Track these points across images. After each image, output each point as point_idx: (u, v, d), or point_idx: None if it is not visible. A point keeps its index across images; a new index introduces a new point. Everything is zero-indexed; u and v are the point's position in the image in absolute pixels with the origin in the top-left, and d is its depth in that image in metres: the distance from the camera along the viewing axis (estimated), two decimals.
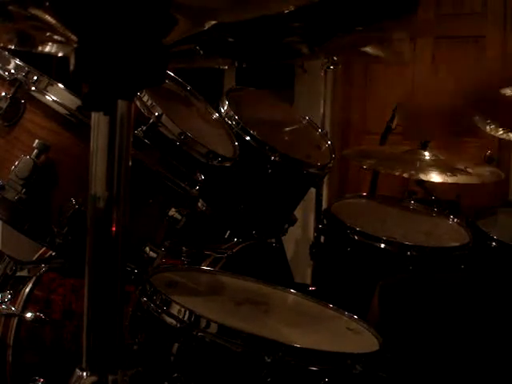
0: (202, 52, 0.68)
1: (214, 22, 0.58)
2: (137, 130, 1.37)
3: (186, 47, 0.66)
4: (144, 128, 1.38)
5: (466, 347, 1.36)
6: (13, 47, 0.73)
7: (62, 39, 0.63)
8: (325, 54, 2.39)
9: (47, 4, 0.55)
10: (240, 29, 0.61)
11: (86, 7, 0.55)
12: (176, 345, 1.15)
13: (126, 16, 0.56)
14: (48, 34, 0.63)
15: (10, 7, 0.58)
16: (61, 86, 1.25)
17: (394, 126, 2.85)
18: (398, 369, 1.36)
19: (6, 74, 1.26)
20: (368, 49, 0.82)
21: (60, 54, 0.68)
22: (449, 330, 1.37)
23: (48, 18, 0.58)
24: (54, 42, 0.65)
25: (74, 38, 0.59)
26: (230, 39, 0.64)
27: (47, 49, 0.70)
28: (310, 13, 0.57)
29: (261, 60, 0.76)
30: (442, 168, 2.23)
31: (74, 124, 1.25)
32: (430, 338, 1.39)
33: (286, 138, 2.19)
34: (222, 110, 1.98)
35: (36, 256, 1.69)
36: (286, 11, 0.56)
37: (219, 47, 0.67)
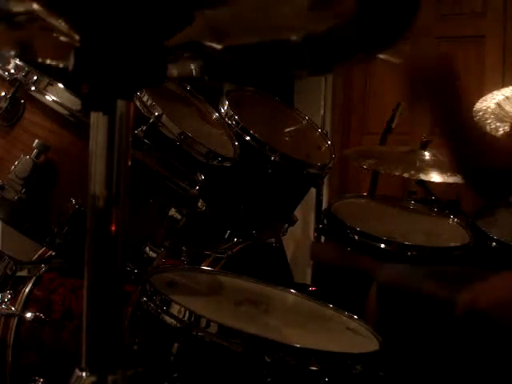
0: (205, 76, 0.69)
1: (222, 45, 0.58)
2: (137, 130, 1.37)
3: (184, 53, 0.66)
4: (144, 128, 1.38)
5: (464, 345, 1.36)
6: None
7: (64, 39, 0.63)
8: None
9: (49, 1, 0.55)
10: (243, 51, 0.61)
11: (87, 6, 0.55)
12: (176, 345, 1.15)
13: (126, 15, 0.56)
14: (49, 36, 0.63)
15: (10, 6, 0.58)
16: (61, 85, 1.25)
17: (394, 125, 2.85)
18: (398, 369, 1.36)
19: (6, 73, 1.26)
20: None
21: (61, 66, 0.68)
22: (447, 330, 1.37)
23: (50, 16, 0.58)
24: (55, 56, 0.66)
25: (76, 37, 0.59)
26: (229, 59, 0.64)
27: (48, 62, 0.70)
28: (315, 43, 0.58)
29: (260, 81, 0.77)
30: (442, 168, 2.23)
31: (73, 124, 1.25)
32: (428, 338, 1.38)
33: (286, 138, 2.19)
34: (222, 110, 1.98)
35: (36, 256, 1.69)
36: (293, 39, 0.57)
37: (216, 63, 0.67)
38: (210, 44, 0.60)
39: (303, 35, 0.57)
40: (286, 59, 0.63)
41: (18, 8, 0.58)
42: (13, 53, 0.73)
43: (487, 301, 1.25)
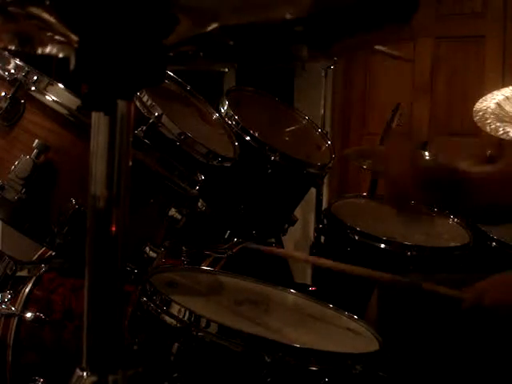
0: (202, 54, 0.68)
1: (215, 25, 0.58)
2: (137, 130, 1.37)
3: (186, 49, 0.66)
4: (144, 128, 1.38)
5: (465, 348, 1.36)
6: (13, 48, 0.73)
7: (63, 39, 0.63)
8: (325, 58, 2.39)
9: (48, 3, 0.55)
10: (241, 32, 0.61)
11: (86, 7, 0.55)
12: (176, 345, 1.15)
13: (126, 16, 0.56)
14: (48, 34, 0.63)
15: (11, 8, 0.58)
16: (61, 86, 1.25)
17: (393, 126, 2.86)
18: (398, 369, 1.36)
19: (6, 73, 1.26)
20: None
21: (61, 55, 0.68)
22: (447, 330, 1.37)
23: (49, 17, 0.58)
24: (55, 42, 0.65)
25: (75, 38, 0.59)
26: (231, 42, 0.64)
27: (47, 50, 0.69)
28: (311, 19, 0.57)
29: (261, 63, 0.76)
30: None
31: (73, 124, 1.25)
32: (428, 338, 1.38)
33: (286, 138, 2.19)
34: (222, 110, 1.98)
35: (36, 256, 1.69)
36: (289, 17, 0.56)
37: (220, 50, 0.67)
38: (205, 28, 0.59)
39: (299, 13, 0.57)
40: (283, 37, 0.63)
41: (17, 10, 0.58)
42: (12, 46, 0.72)
43: (492, 298, 1.25)
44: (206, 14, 0.56)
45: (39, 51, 0.70)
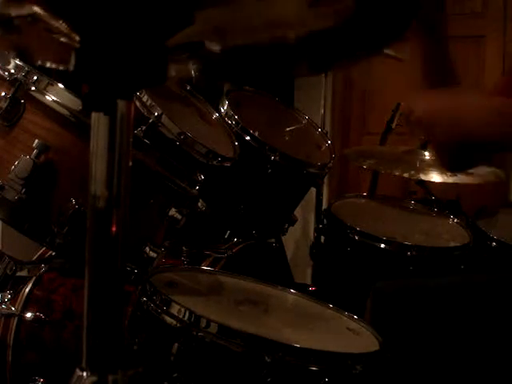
0: (204, 76, 0.69)
1: (218, 47, 0.58)
2: (136, 130, 1.37)
3: (185, 55, 0.66)
4: (144, 128, 1.38)
5: (463, 350, 1.36)
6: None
7: (65, 39, 0.63)
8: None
9: (49, 3, 0.55)
10: (243, 53, 0.61)
11: (87, 7, 0.55)
12: (176, 345, 1.15)
13: (127, 15, 0.56)
14: (48, 41, 0.63)
15: (9, 9, 0.58)
16: (61, 86, 1.25)
17: (393, 126, 2.85)
18: (398, 369, 1.36)
19: (6, 73, 1.27)
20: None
21: (61, 68, 0.68)
22: (445, 333, 1.37)
23: (50, 17, 0.59)
24: (54, 60, 0.66)
25: (76, 38, 0.59)
26: (232, 63, 0.64)
27: (47, 65, 0.70)
28: (313, 41, 0.57)
29: (259, 81, 0.76)
30: (442, 168, 2.22)
31: (73, 124, 1.25)
32: (423, 341, 1.38)
33: (286, 138, 2.19)
34: (222, 110, 1.98)
35: (36, 256, 1.69)
36: (291, 37, 0.57)
37: (219, 70, 0.67)
38: (209, 45, 0.60)
39: (302, 33, 0.57)
40: (285, 58, 0.63)
41: (19, 11, 0.58)
42: (12, 54, 0.73)
43: (420, 108, 1.17)
44: (216, 29, 0.57)
45: (38, 63, 0.70)
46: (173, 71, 0.66)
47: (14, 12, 0.58)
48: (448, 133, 1.14)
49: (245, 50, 0.61)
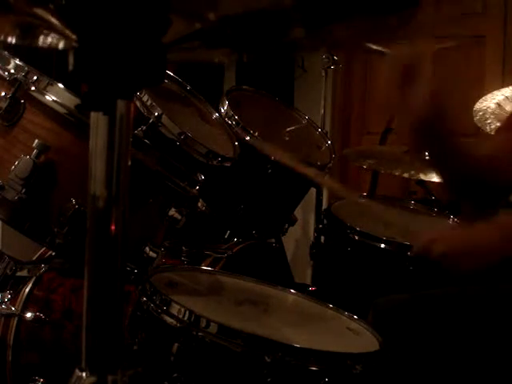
0: (201, 45, 0.68)
1: (213, 16, 0.58)
2: (136, 129, 1.37)
3: (185, 46, 0.66)
4: (144, 128, 1.38)
5: (465, 347, 1.36)
6: (14, 41, 0.73)
7: (63, 38, 0.63)
8: (326, 49, 2.38)
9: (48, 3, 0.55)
10: (239, 21, 0.61)
11: (85, 6, 0.55)
12: (176, 345, 1.15)
13: (125, 15, 0.56)
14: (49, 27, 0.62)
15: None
16: (61, 85, 1.25)
17: (393, 126, 2.85)
18: (398, 369, 1.36)
19: (6, 73, 1.26)
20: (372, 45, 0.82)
21: (61, 46, 0.68)
22: (445, 345, 1.37)
23: (49, 16, 0.58)
24: (56, 33, 0.65)
25: (73, 36, 0.59)
26: (229, 32, 0.63)
27: (49, 40, 0.69)
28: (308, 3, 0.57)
29: (261, 52, 0.76)
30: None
31: (73, 124, 1.25)
32: (424, 354, 1.38)
33: (286, 138, 2.19)
34: (222, 110, 1.98)
35: (36, 256, 1.69)
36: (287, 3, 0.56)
37: (219, 40, 0.67)
38: (202, 21, 0.59)
39: None
40: (282, 23, 0.62)
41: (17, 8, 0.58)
42: (12, 37, 0.72)
43: (440, 250, 1.25)
44: (203, 5, 0.56)
45: (40, 42, 0.70)
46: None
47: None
48: (469, 261, 1.26)
49: (239, 19, 0.60)
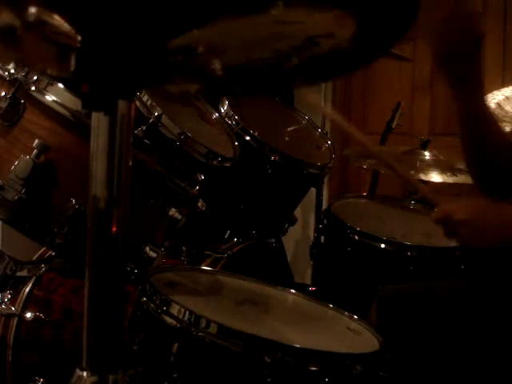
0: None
1: (219, 65, 0.58)
2: (137, 129, 1.37)
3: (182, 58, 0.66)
4: (144, 128, 1.38)
5: (465, 352, 1.36)
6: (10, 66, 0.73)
7: (66, 40, 0.63)
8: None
9: (51, 2, 0.55)
10: (242, 71, 0.61)
11: (88, 7, 0.55)
12: (176, 345, 1.15)
13: (128, 16, 0.56)
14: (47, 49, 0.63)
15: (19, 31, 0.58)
16: (61, 85, 1.25)
17: (393, 125, 2.86)
18: (398, 369, 1.36)
19: (6, 73, 1.26)
20: None
21: (55, 74, 0.68)
22: (450, 336, 1.37)
23: (51, 17, 0.58)
24: (53, 67, 0.66)
25: (78, 38, 0.59)
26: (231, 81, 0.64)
27: (48, 71, 0.70)
28: (311, 63, 0.58)
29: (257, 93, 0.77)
30: (442, 168, 2.23)
31: (73, 124, 1.25)
32: (428, 344, 1.38)
33: (286, 138, 2.19)
34: (222, 110, 1.98)
35: (36, 256, 1.69)
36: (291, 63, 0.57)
37: (219, 89, 0.67)
38: (209, 63, 0.60)
39: (302, 58, 0.57)
40: (284, 75, 0.63)
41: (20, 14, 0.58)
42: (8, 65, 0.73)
43: (460, 217, 1.30)
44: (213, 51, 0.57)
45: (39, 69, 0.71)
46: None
47: (14, 18, 0.58)
48: (486, 235, 1.30)
49: (245, 68, 0.61)
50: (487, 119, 1.43)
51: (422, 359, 1.37)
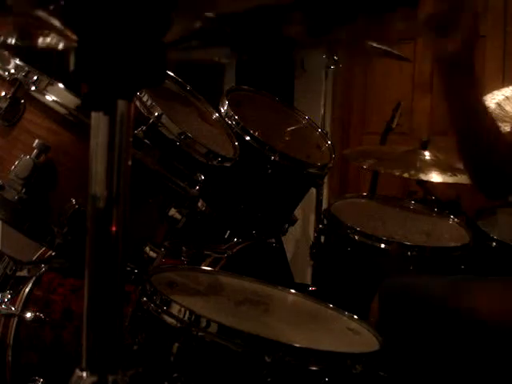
0: (200, 44, 0.68)
1: (212, 15, 0.58)
2: (137, 130, 1.37)
3: (185, 45, 0.66)
4: (144, 128, 1.38)
5: (465, 348, 1.36)
6: (13, 41, 0.73)
7: (63, 39, 0.63)
8: (326, 47, 2.39)
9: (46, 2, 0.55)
10: (238, 19, 0.60)
11: (86, 6, 0.55)
12: (176, 345, 1.15)
13: (126, 15, 0.56)
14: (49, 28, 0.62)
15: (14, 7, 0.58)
16: (61, 85, 1.25)
17: (393, 125, 2.86)
18: (398, 369, 1.36)
19: (6, 73, 1.26)
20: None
21: (60, 47, 0.68)
22: (448, 333, 1.37)
23: (49, 17, 0.58)
24: (56, 34, 0.65)
25: (73, 37, 0.59)
26: (229, 30, 0.63)
27: (48, 40, 0.69)
28: (309, 2, 0.57)
29: (261, 51, 0.76)
30: (442, 168, 2.23)
31: (73, 124, 1.25)
32: (430, 339, 1.38)
33: (286, 138, 2.19)
34: (222, 110, 1.98)
35: (36, 256, 1.69)
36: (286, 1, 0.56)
37: (218, 39, 0.66)
38: (201, 19, 0.59)
39: None
40: (282, 20, 0.62)
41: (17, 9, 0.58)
42: (11, 38, 0.72)
43: (488, 310, 1.25)
44: (202, 4, 0.56)
45: (39, 43, 0.70)
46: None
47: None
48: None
49: (238, 17, 0.60)
50: (483, 115, 1.42)
51: (422, 358, 1.37)
